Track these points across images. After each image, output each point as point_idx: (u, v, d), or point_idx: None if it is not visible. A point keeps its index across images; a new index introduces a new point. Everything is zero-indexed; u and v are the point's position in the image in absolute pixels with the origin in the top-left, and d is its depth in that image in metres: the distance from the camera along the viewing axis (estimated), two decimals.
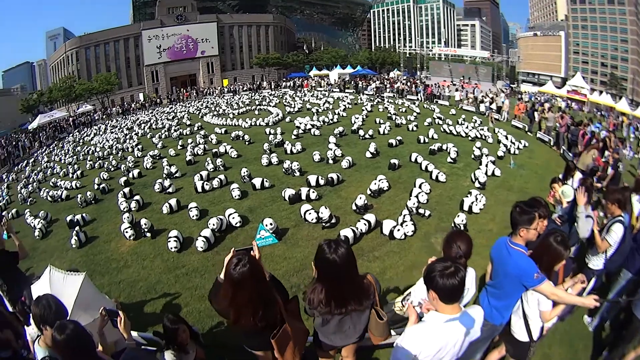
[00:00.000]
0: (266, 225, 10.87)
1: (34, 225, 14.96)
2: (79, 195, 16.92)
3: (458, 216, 11.08)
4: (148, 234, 12.31)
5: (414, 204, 12.09)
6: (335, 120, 28.21)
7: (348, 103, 36.95)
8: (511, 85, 63.36)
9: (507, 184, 14.89)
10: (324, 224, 11.60)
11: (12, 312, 7.05)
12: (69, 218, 14.54)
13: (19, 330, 6.50)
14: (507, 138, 21.29)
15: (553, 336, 6.24)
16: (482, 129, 23.85)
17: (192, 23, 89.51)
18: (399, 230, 10.66)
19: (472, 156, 17.69)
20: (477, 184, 14.14)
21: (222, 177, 16.05)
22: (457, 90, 44.82)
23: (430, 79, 63.45)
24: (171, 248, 11.13)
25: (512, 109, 32.08)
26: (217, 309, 4.42)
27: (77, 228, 13.35)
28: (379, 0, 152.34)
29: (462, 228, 10.66)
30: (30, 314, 5.31)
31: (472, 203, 12.13)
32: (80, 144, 36.76)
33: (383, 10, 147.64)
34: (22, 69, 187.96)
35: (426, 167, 15.81)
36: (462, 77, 63.81)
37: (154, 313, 8.64)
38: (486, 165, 15.84)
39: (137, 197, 15.23)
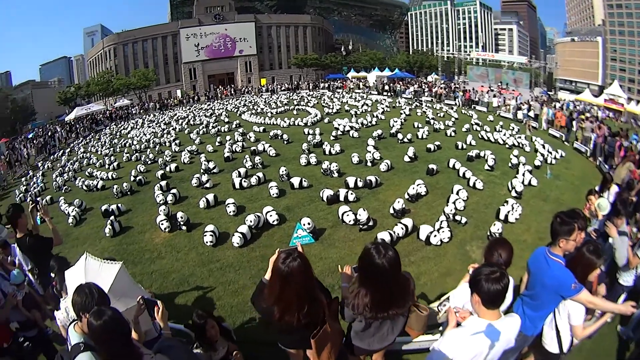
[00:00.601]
0: (304, 225, 10.79)
1: (68, 213, 15.15)
2: (115, 186, 17.14)
3: (494, 225, 10.84)
4: (184, 227, 12.37)
5: (451, 210, 11.92)
6: (373, 122, 27.97)
7: (386, 106, 36.57)
8: (548, 93, 62.05)
9: (543, 194, 14.49)
10: (361, 226, 11.44)
11: (41, 294, 7.21)
12: (103, 207, 14.72)
13: (47, 313, 7.01)
14: (544, 147, 20.75)
15: (579, 353, 6.01)
16: (520, 137, 23.25)
17: (230, 22, 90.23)
18: (435, 236, 10.53)
19: (509, 164, 17.28)
20: (513, 193, 13.82)
21: (260, 174, 16.12)
22: (494, 96, 44.10)
23: (467, 84, 62.64)
24: (207, 242, 11.17)
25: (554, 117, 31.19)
26: (260, 309, 4.40)
27: (112, 217, 13.52)
28: (416, 3, 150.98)
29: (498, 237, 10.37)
30: (61, 299, 5.30)
31: (508, 212, 11.87)
32: (117, 136, 37.34)
33: (420, 13, 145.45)
34: (59, 63, 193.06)
35: (464, 173, 15.52)
36: (500, 82, 62.89)
37: (186, 305, 8.69)
38: (523, 174, 15.48)
39: (173, 191, 15.36)
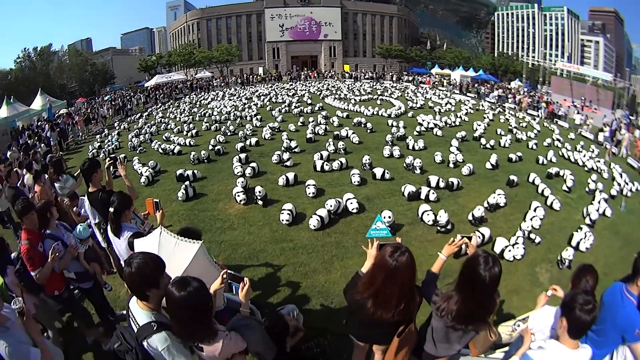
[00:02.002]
0: (384, 218, 10.36)
1: (141, 172, 15.65)
2: (192, 153, 17.56)
3: (566, 250, 10.31)
4: (260, 202, 12.37)
5: (527, 227, 11.46)
6: (457, 123, 27.19)
7: (470, 107, 35.60)
8: (630, 117, 58.71)
9: (615, 228, 13.55)
10: (439, 228, 11.11)
11: (103, 249, 7.55)
12: (179, 172, 15.07)
13: (106, 267, 7.76)
14: (621, 176, 19.47)
15: None
16: (599, 161, 21.89)
17: (316, 6, 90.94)
18: (510, 251, 10.10)
19: (587, 189, 16.34)
20: (587, 221, 13.03)
21: (342, 160, 15.95)
22: (577, 112, 42.18)
23: (551, 96, 60.42)
24: (282, 220, 11.10)
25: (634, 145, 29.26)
26: (351, 300, 4.25)
27: (187, 182, 13.76)
28: (503, 3, 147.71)
29: (567, 264, 10.08)
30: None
31: (581, 240, 11.17)
32: (197, 105, 38.54)
33: (507, 14, 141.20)
34: (140, 33, 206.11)
35: (542, 191, 14.86)
36: (583, 98, 60.04)
37: (252, 280, 8.49)
38: (599, 202, 14.54)
39: (253, 164, 15.48)
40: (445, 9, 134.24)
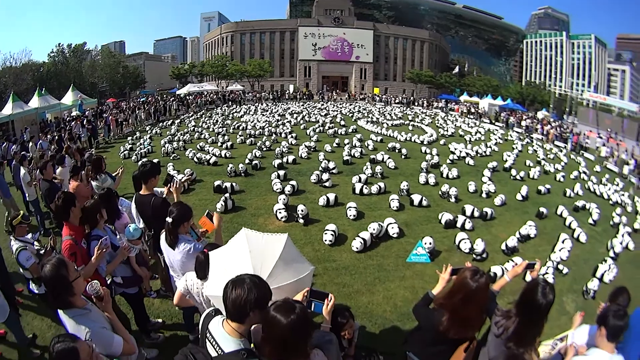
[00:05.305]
0: (425, 243, 10.78)
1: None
2: (230, 165, 17.86)
3: (592, 281, 10.60)
4: (301, 220, 12.54)
5: (556, 258, 11.73)
6: (487, 153, 27.29)
7: (499, 137, 35.71)
8: None
9: (637, 261, 13.66)
10: (475, 256, 11.35)
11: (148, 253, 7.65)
12: (217, 183, 15.36)
13: (151, 273, 7.66)
14: None
15: None
16: (623, 194, 22.25)
17: (349, 27, 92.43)
18: None
19: (611, 223, 16.60)
20: (611, 254, 13.24)
21: (381, 184, 16.16)
22: (603, 145, 41.98)
23: (577, 127, 59.83)
24: (325, 240, 11.24)
25: None
26: (424, 315, 4.53)
27: (226, 194, 13.99)
28: (532, 30, 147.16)
29: (592, 294, 10.34)
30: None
31: (605, 272, 11.41)
32: (230, 118, 39.12)
33: (536, 42, 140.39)
34: (173, 41, 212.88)
35: (570, 223, 15.05)
36: (608, 129, 59.01)
37: None
38: (622, 236, 14.76)
39: (292, 182, 15.63)
40: (475, 36, 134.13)
